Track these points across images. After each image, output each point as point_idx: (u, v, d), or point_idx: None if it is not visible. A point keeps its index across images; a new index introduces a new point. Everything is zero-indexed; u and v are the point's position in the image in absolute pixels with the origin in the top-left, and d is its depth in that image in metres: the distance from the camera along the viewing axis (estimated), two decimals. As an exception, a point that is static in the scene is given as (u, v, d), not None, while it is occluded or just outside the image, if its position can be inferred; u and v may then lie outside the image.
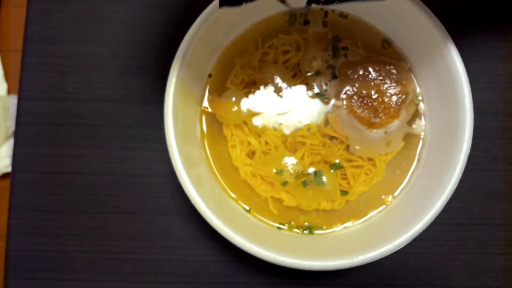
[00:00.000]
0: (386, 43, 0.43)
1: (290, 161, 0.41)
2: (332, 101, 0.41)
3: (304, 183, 0.41)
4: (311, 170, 0.41)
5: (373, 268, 0.44)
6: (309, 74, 0.42)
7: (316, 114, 0.42)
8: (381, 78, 0.41)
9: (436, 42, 0.38)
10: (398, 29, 0.42)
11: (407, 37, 0.42)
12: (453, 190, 0.36)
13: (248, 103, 0.42)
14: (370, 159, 0.42)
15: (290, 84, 0.42)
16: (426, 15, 0.38)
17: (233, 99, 0.42)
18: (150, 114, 0.45)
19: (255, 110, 0.42)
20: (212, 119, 0.43)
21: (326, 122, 0.42)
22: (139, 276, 0.44)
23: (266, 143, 0.42)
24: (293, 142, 0.42)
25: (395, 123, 0.40)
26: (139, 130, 0.46)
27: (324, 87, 0.42)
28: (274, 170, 0.41)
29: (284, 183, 0.41)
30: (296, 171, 0.41)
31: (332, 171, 0.41)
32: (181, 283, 0.44)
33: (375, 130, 0.40)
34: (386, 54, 0.43)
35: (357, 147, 0.41)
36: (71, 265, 0.44)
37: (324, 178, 0.41)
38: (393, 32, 0.43)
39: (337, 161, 0.41)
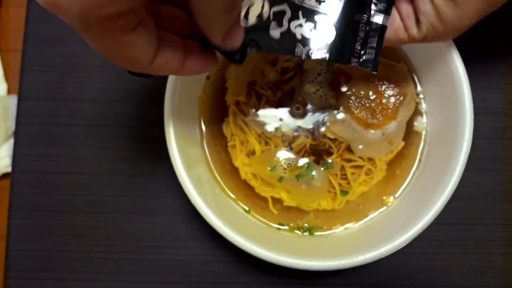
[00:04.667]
0: None
1: (283, 156, 0.41)
2: (330, 102, 0.41)
3: (298, 177, 0.41)
4: (303, 161, 0.41)
5: (373, 268, 0.44)
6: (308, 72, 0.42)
7: (315, 115, 0.42)
8: (379, 79, 0.41)
9: (436, 43, 0.38)
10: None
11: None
12: (453, 190, 0.36)
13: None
14: (370, 159, 0.42)
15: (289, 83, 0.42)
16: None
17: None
18: (150, 114, 0.45)
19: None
20: (212, 118, 0.43)
21: (324, 123, 0.41)
22: (139, 276, 0.44)
23: (266, 143, 0.42)
24: (292, 142, 0.42)
25: (393, 125, 0.40)
26: (139, 130, 0.46)
27: (323, 87, 0.42)
28: (269, 168, 0.41)
29: (280, 179, 0.41)
30: (289, 165, 0.41)
31: (322, 169, 0.41)
32: (181, 283, 0.44)
33: (372, 131, 0.40)
34: (385, 54, 0.43)
35: (360, 147, 0.41)
36: (71, 265, 0.44)
37: (315, 173, 0.41)
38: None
39: (330, 160, 0.41)
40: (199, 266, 0.44)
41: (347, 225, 0.42)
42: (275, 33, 0.30)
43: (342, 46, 0.32)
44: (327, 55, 0.32)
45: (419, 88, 0.43)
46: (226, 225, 0.36)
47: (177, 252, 0.44)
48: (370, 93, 0.41)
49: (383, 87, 0.41)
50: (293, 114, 0.41)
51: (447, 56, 0.38)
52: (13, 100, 1.02)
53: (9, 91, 1.04)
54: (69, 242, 0.44)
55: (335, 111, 0.41)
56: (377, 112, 0.40)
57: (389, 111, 0.40)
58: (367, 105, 0.41)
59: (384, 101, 0.40)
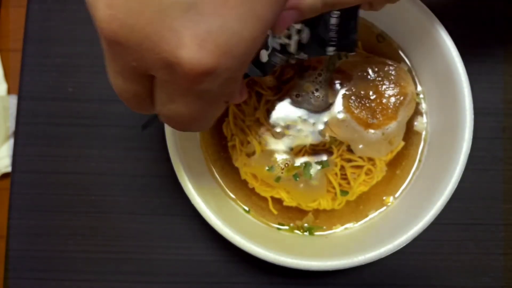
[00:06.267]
0: (381, 37, 0.43)
1: (280, 156, 0.41)
2: (330, 101, 0.41)
3: (295, 176, 0.41)
4: (300, 160, 0.41)
5: (373, 268, 0.44)
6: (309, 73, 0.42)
7: (315, 115, 0.42)
8: (379, 79, 0.41)
9: (436, 43, 0.38)
10: (397, 27, 0.42)
11: (407, 38, 0.42)
12: (453, 190, 0.36)
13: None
14: (370, 159, 0.42)
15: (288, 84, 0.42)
16: (427, 16, 0.38)
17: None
18: (150, 114, 0.45)
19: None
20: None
21: (324, 122, 0.41)
22: (139, 276, 0.44)
23: (266, 143, 0.42)
24: (292, 142, 0.41)
25: (393, 124, 0.40)
26: (139, 130, 0.46)
27: (323, 87, 0.42)
28: (267, 168, 0.41)
29: (278, 179, 0.41)
30: (287, 165, 0.41)
31: (319, 167, 0.41)
32: (181, 283, 0.44)
33: (372, 131, 0.40)
34: (385, 54, 0.43)
35: (360, 147, 0.41)
36: (71, 265, 0.44)
37: (312, 172, 0.41)
38: (392, 30, 0.43)
39: (325, 158, 0.41)
40: (199, 266, 0.44)
41: (347, 225, 0.42)
42: (264, 57, 0.31)
43: (316, 40, 0.33)
44: (305, 56, 0.33)
45: (419, 88, 0.43)
46: (226, 225, 0.36)
47: (177, 252, 0.44)
48: (370, 93, 0.41)
49: (383, 87, 0.41)
50: (293, 103, 0.41)
51: (447, 56, 0.38)
52: (13, 100, 1.02)
53: (9, 91, 1.04)
54: (69, 242, 0.44)
55: (335, 111, 0.41)
56: (377, 112, 0.40)
57: (389, 111, 0.40)
58: (367, 105, 0.41)
59: (384, 101, 0.40)
